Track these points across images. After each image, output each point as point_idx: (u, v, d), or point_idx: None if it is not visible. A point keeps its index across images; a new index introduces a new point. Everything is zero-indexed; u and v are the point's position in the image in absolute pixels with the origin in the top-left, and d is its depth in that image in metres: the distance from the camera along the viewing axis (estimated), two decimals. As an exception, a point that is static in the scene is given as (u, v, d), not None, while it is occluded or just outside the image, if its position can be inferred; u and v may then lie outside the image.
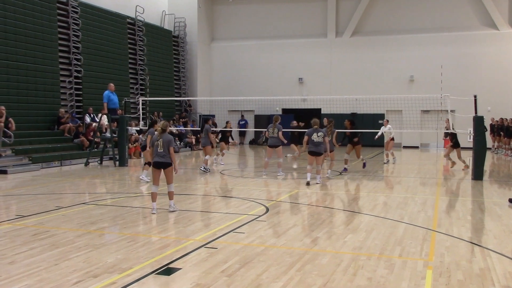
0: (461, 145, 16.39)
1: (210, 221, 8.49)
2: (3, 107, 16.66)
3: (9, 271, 5.66)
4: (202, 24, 31.59)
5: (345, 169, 15.83)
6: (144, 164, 13.78)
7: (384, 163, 18.98)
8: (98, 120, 20.03)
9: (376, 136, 19.48)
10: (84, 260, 6.10)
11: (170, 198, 9.14)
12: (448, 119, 17.51)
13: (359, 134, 16.07)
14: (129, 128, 19.83)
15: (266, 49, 31.45)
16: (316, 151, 12.83)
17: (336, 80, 30.16)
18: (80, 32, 21.93)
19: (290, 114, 29.98)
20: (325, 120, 15.39)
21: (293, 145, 17.65)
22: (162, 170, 9.07)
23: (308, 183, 12.79)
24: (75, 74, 21.66)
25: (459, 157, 16.96)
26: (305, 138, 12.97)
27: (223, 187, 13.02)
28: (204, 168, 15.73)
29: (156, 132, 9.46)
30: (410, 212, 9.45)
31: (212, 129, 17.53)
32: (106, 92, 18.40)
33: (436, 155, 24.24)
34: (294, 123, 19.31)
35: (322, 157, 13.17)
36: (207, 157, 15.84)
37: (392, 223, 8.44)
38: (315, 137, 12.75)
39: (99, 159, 18.72)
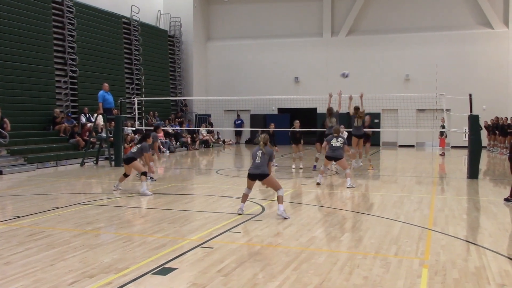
0: (457, 144, 16.44)
1: (206, 220, 8.49)
2: (-2, 107, 16.62)
3: (4, 272, 5.65)
4: (197, 23, 31.57)
5: (315, 167, 16.11)
6: (142, 175, 11.72)
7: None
8: (93, 120, 20.00)
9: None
10: (80, 260, 6.09)
11: (280, 202, 8.68)
12: (443, 118, 17.58)
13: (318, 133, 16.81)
14: (125, 128, 19.80)
15: (262, 49, 31.45)
16: (332, 156, 12.92)
17: (332, 79, 30.16)
18: (75, 32, 21.88)
19: (286, 114, 30.05)
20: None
21: (318, 144, 16.82)
22: (258, 180, 8.90)
23: (318, 183, 12.87)
24: (71, 74, 21.60)
25: (358, 148, 16.13)
26: (324, 143, 13.19)
27: (219, 187, 13.01)
28: (150, 177, 13.71)
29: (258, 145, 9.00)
30: (406, 211, 9.48)
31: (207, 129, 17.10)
32: (101, 92, 18.35)
33: (431, 154, 24.29)
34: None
35: (344, 161, 12.93)
36: (151, 163, 13.83)
37: (388, 222, 8.46)
38: (334, 142, 12.87)
39: (94, 159, 18.69)
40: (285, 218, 8.52)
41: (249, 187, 9.00)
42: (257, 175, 8.77)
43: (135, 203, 10.39)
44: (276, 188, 8.77)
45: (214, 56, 32.60)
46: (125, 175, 12.05)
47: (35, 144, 18.30)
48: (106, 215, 9.03)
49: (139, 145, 12.07)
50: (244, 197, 9.05)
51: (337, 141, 12.83)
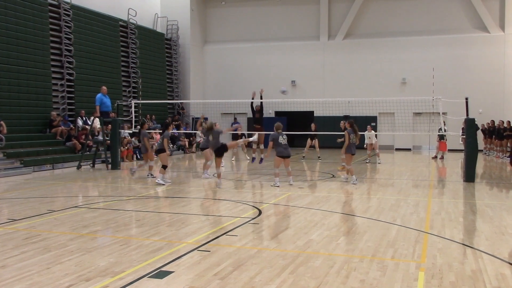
0: (453, 147, 16.54)
1: (203, 224, 8.48)
2: (-6, 110, 16.58)
3: (0, 275, 5.63)
4: (194, 26, 31.58)
5: (254, 159, 17.30)
6: (162, 167, 13.70)
7: (367, 162, 19.76)
8: (90, 123, 19.96)
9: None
10: (76, 263, 6.07)
11: (219, 177, 12.80)
12: (441, 122, 17.55)
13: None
14: (122, 131, 19.78)
15: (259, 52, 31.47)
16: (285, 155, 13.17)
17: (329, 83, 30.24)
18: (72, 34, 21.85)
19: (283, 117, 30.06)
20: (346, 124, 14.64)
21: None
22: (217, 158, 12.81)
23: (278, 186, 13.16)
24: (67, 77, 21.57)
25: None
26: (270, 143, 13.12)
27: (216, 190, 13.00)
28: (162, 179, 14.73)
29: (204, 129, 12.66)
30: (403, 214, 9.49)
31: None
32: (99, 95, 18.35)
33: (428, 157, 24.32)
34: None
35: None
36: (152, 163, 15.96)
37: (384, 225, 8.47)
38: (281, 139, 12.98)
39: (91, 162, 18.65)
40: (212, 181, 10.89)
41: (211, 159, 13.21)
42: (219, 147, 12.64)
43: (131, 206, 10.38)
44: (218, 165, 12.71)
45: (211, 59, 32.61)
46: (164, 167, 13.80)
47: (31, 147, 18.25)
48: (102, 218, 9.02)
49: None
50: (209, 167, 13.57)
51: (283, 139, 13.03)
